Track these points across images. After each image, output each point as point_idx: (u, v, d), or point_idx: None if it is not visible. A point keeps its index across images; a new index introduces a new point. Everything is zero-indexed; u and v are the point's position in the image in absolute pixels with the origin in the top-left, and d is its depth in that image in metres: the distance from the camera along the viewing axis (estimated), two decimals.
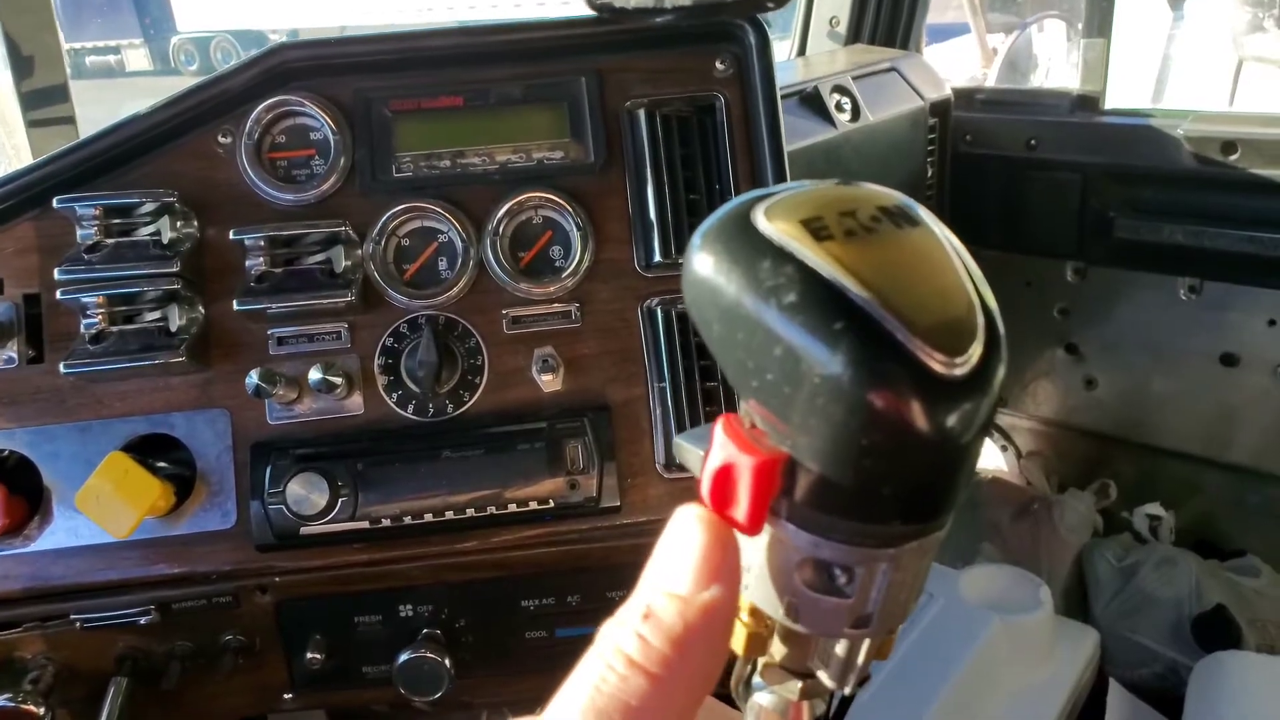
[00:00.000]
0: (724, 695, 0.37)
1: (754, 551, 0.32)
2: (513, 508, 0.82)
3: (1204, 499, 1.86)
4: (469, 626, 0.87)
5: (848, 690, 0.35)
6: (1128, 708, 1.51)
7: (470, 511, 0.82)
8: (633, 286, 0.88)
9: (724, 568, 0.28)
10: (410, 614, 0.86)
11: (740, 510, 0.30)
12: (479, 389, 0.86)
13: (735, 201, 0.31)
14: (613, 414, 0.86)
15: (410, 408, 0.85)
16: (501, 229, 0.86)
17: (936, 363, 0.26)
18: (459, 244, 0.86)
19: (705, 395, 0.86)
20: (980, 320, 0.28)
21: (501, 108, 0.89)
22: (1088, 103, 1.69)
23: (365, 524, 0.81)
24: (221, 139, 0.87)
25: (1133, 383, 1.85)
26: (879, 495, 0.28)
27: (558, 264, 0.88)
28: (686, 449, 0.34)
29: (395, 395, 0.85)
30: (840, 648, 0.33)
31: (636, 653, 0.26)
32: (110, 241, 0.83)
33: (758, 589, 0.32)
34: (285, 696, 0.88)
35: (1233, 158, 1.52)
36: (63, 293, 0.81)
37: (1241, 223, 1.53)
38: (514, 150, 0.88)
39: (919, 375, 0.26)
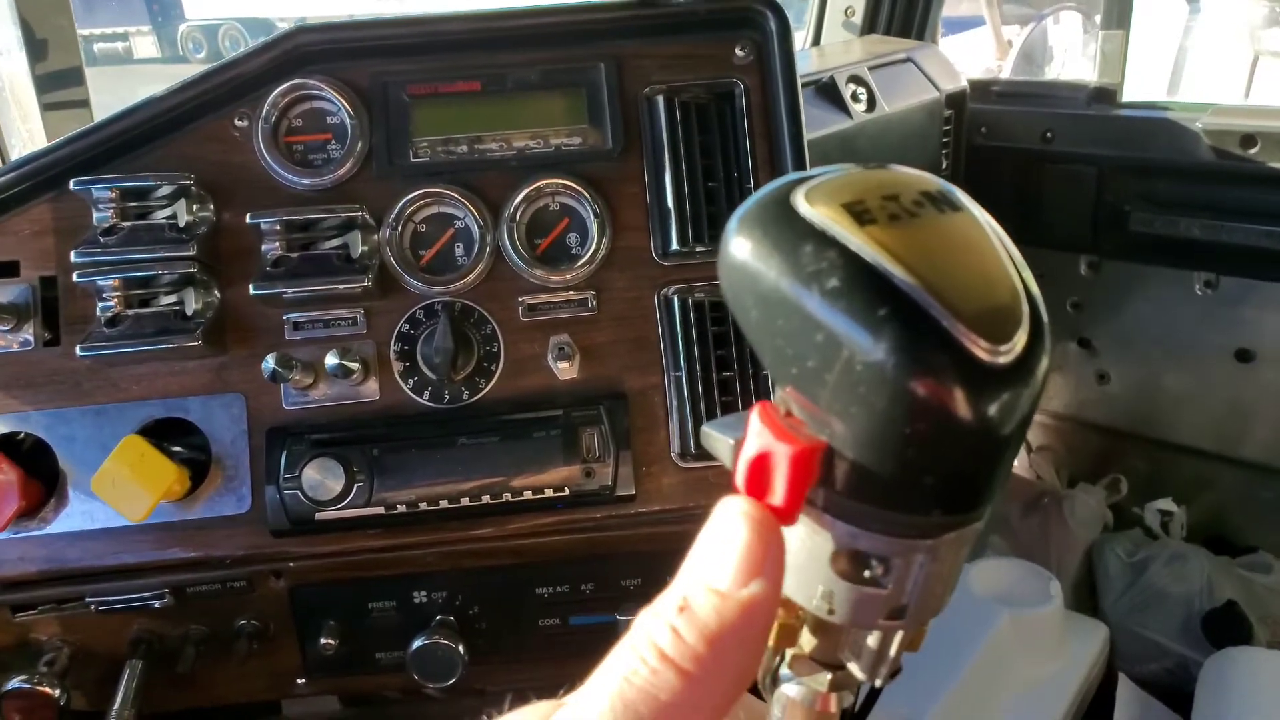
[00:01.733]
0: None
1: (788, 542, 0.31)
2: (528, 495, 0.82)
3: (1216, 495, 1.85)
4: (482, 613, 0.86)
5: (879, 683, 0.35)
6: (1137, 703, 1.51)
7: (486, 498, 0.81)
8: (650, 275, 0.88)
9: (767, 563, 0.27)
10: (424, 600, 0.86)
11: (776, 500, 0.29)
12: (494, 376, 0.85)
13: (774, 185, 0.30)
14: (628, 402, 0.85)
15: (426, 394, 0.85)
16: (518, 215, 0.86)
17: (982, 350, 0.26)
18: (475, 230, 0.86)
19: (721, 385, 0.86)
20: (1025, 307, 0.27)
21: (519, 93, 0.88)
22: (1105, 95, 1.68)
23: (380, 510, 0.81)
24: (238, 122, 0.87)
25: (1145, 377, 1.84)
26: (920, 485, 0.27)
27: (574, 251, 0.87)
28: (716, 438, 0.34)
29: (411, 381, 0.85)
30: (873, 639, 0.33)
31: (670, 647, 0.26)
32: (126, 224, 0.83)
33: (791, 579, 0.32)
34: (298, 681, 0.88)
35: (1252, 151, 1.51)
36: (79, 275, 0.80)
37: (1260, 217, 1.52)
38: (531, 136, 0.88)
39: (964, 363, 0.26)
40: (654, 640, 0.26)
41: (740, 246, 0.29)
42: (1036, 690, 1.45)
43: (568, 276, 0.86)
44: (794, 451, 0.28)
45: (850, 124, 1.44)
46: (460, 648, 0.83)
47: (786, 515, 0.29)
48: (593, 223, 0.86)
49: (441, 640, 0.83)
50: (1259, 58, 3.33)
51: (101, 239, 0.82)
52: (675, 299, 0.87)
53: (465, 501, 0.81)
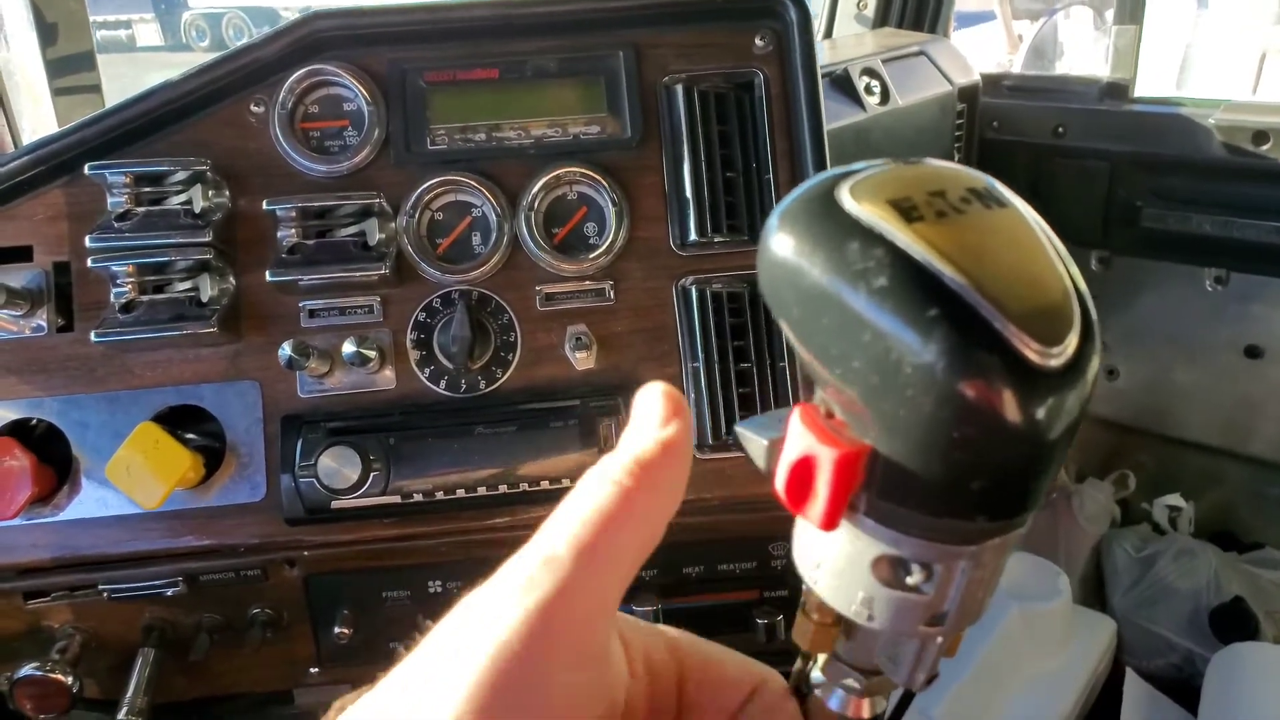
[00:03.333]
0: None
1: (827, 547, 0.31)
2: (545, 485, 0.81)
3: (1224, 491, 1.84)
4: None
5: (916, 688, 0.34)
6: (1145, 697, 1.51)
7: (503, 488, 0.81)
8: (667, 265, 0.87)
9: (679, 416, 0.32)
10: (439, 590, 0.86)
11: (818, 505, 0.29)
12: (511, 365, 0.85)
13: (816, 180, 0.29)
14: None
15: (442, 383, 0.84)
16: (536, 204, 0.85)
17: (1034, 353, 0.25)
18: (493, 219, 0.85)
19: (739, 377, 0.85)
20: (1076, 308, 0.27)
21: (537, 81, 0.88)
22: (1117, 90, 1.67)
23: (397, 498, 0.80)
24: (254, 108, 0.86)
25: (1155, 373, 1.84)
26: (965, 490, 0.27)
27: (591, 241, 0.87)
28: (749, 437, 0.33)
29: (427, 370, 0.84)
30: (911, 645, 0.32)
31: (612, 471, 0.30)
32: (141, 210, 0.82)
33: (829, 584, 0.31)
34: (311, 670, 0.87)
35: (1264, 148, 1.50)
36: (94, 260, 0.80)
37: (1271, 214, 1.51)
38: (550, 124, 0.87)
39: (1016, 366, 0.25)
40: (595, 473, 0.31)
41: (783, 243, 0.28)
42: (1044, 684, 1.45)
43: (585, 266, 0.85)
44: (838, 455, 0.28)
45: (864, 116, 1.43)
46: None
47: (828, 521, 0.29)
48: (610, 212, 0.86)
49: None
50: (1266, 55, 3.32)
51: (116, 224, 0.81)
52: (694, 289, 0.86)
53: (482, 491, 0.81)
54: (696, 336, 0.85)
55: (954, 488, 0.27)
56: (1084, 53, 2.56)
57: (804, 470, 0.29)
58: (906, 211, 0.27)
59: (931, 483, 0.27)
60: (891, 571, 0.29)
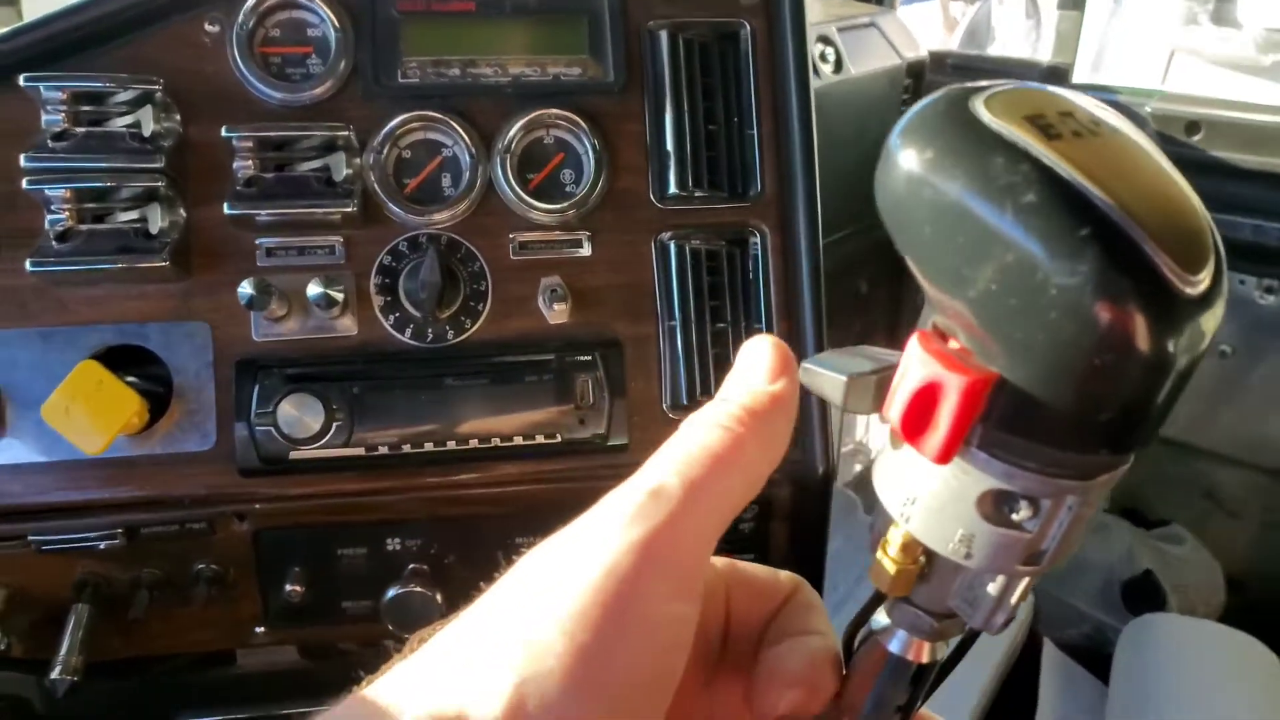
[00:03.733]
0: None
1: (927, 481, 0.29)
2: (518, 440, 0.78)
3: (1132, 469, 1.91)
4: (459, 562, 0.83)
5: (993, 631, 0.33)
6: (1061, 666, 1.56)
7: (473, 443, 0.78)
8: (646, 219, 0.84)
9: (789, 371, 0.32)
10: (398, 548, 0.81)
11: (938, 435, 0.27)
12: (481, 316, 0.81)
13: (945, 92, 0.27)
14: (623, 350, 0.82)
15: (408, 331, 0.80)
16: (512, 146, 0.81)
17: (1178, 279, 0.24)
18: (465, 160, 0.81)
19: (714, 336, 0.83)
20: (1211, 236, 0.26)
21: (516, 16, 0.83)
22: (1058, 74, 1.71)
23: (360, 451, 0.76)
24: (209, 27, 0.79)
25: None
26: (1093, 421, 0.26)
27: (568, 189, 0.83)
28: (820, 373, 0.31)
29: (392, 318, 0.80)
30: (994, 586, 0.31)
31: (721, 417, 0.31)
32: (80, 130, 0.75)
33: (923, 521, 0.30)
34: (257, 630, 0.82)
35: (1195, 138, 1.55)
36: (29, 182, 0.73)
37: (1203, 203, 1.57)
38: (528, 63, 0.83)
39: (1163, 291, 0.24)
40: (703, 418, 0.31)
41: (916, 155, 0.26)
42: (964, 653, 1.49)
43: (562, 214, 0.82)
44: (966, 382, 0.26)
45: (819, 84, 1.42)
46: (438, 596, 0.79)
47: (945, 453, 0.27)
48: (590, 159, 0.83)
49: (417, 589, 0.79)
50: (1174, 53, 3.45)
51: (51, 144, 0.74)
52: (672, 245, 0.84)
53: (452, 445, 0.77)
54: (674, 294, 0.83)
55: (1082, 419, 0.26)
56: (1016, 38, 2.62)
57: (926, 399, 0.27)
58: (1045, 129, 0.26)
59: (1058, 413, 0.26)
60: (996, 507, 0.28)
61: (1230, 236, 1.53)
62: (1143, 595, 1.63)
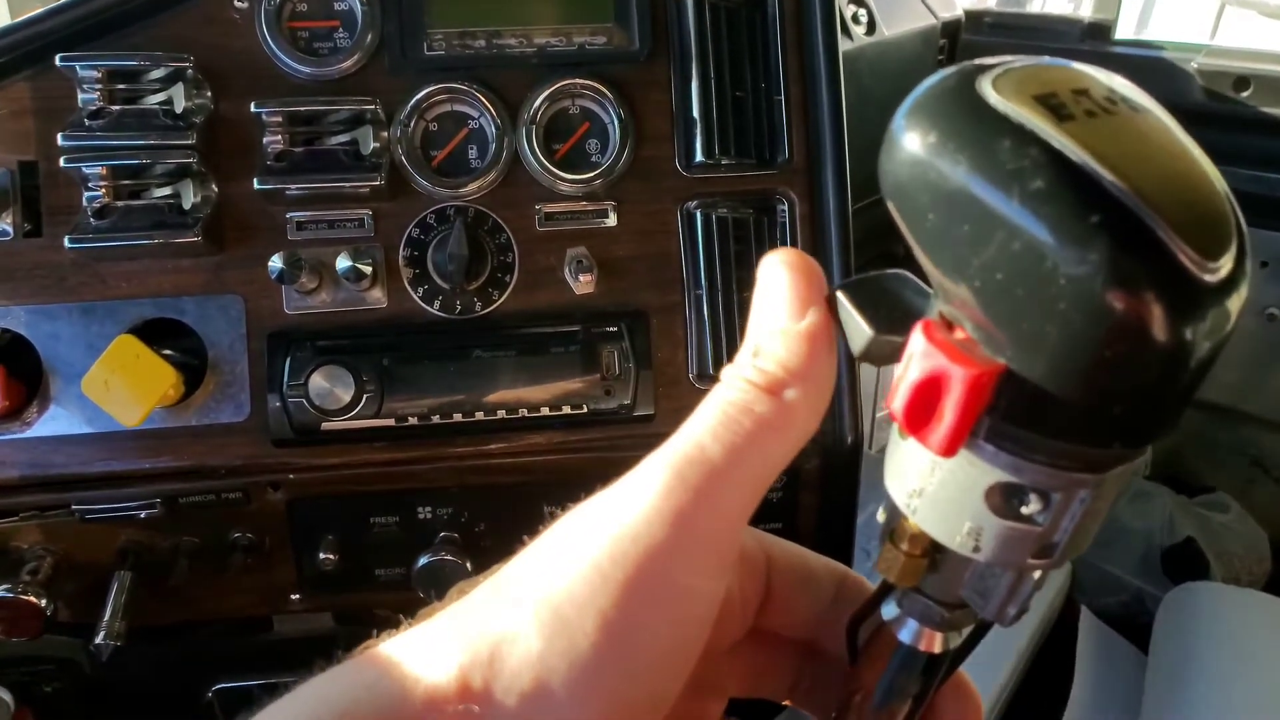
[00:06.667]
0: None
1: (933, 473, 0.28)
2: (545, 411, 0.79)
3: (1176, 435, 1.88)
4: (488, 530, 0.84)
5: (1005, 623, 0.33)
6: (1098, 634, 1.55)
7: (501, 413, 0.78)
8: (672, 188, 0.84)
9: (813, 297, 0.30)
10: (429, 516, 0.83)
11: (942, 429, 0.26)
12: (508, 288, 0.82)
13: (951, 71, 0.26)
14: (649, 321, 0.82)
15: (436, 303, 0.81)
16: (538, 117, 0.81)
17: (1196, 266, 0.23)
18: (491, 131, 0.81)
19: (742, 305, 0.83)
20: (1233, 220, 0.25)
21: None
22: (1099, 31, 1.66)
23: (390, 421, 0.77)
24: (238, 3, 0.80)
25: None
26: (1104, 414, 0.25)
27: (594, 159, 0.83)
28: (853, 313, 0.30)
29: (420, 290, 0.81)
30: (1007, 579, 0.30)
31: (757, 377, 0.29)
32: (115, 108, 0.77)
33: (930, 513, 0.29)
34: (293, 597, 0.84)
35: (1244, 95, 1.50)
36: (66, 160, 0.74)
37: (1250, 162, 1.52)
38: (553, 33, 0.83)
39: (1179, 280, 0.23)
40: (741, 376, 0.29)
41: (920, 139, 0.25)
42: None
43: (588, 185, 0.82)
44: (971, 375, 0.25)
45: (851, 46, 1.39)
46: (468, 564, 0.80)
47: (950, 446, 0.26)
48: (615, 129, 0.82)
49: (448, 557, 0.80)
50: (1224, 6, 3.34)
51: (88, 123, 0.76)
52: (698, 214, 0.83)
53: (480, 416, 0.78)
54: (700, 263, 0.83)
55: (1093, 412, 0.25)
56: None
57: (929, 391, 0.26)
58: (1055, 110, 0.24)
59: (1069, 406, 0.25)
60: (1005, 500, 0.27)
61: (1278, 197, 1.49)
62: (1184, 563, 1.61)
